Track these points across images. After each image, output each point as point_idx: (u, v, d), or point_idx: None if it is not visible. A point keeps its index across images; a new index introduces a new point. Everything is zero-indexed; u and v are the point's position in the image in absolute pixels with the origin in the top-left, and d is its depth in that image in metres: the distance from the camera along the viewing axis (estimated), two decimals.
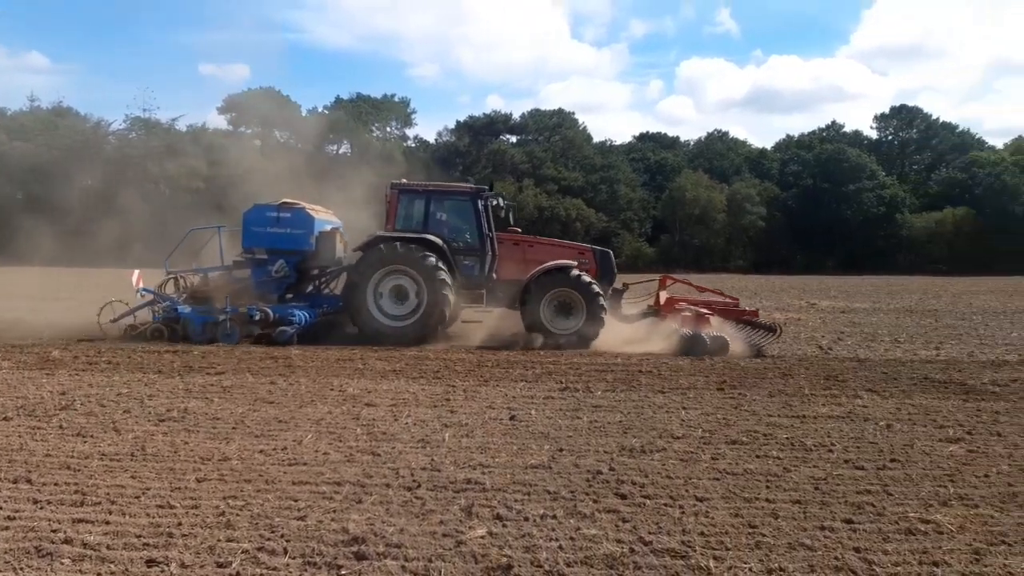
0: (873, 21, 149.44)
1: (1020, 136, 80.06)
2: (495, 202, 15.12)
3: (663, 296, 15.33)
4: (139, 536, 4.74)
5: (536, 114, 79.64)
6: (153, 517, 5.08)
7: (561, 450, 6.86)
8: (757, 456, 6.74)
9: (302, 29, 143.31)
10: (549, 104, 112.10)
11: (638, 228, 72.70)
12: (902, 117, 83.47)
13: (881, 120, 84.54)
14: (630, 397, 9.36)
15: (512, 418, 8.05)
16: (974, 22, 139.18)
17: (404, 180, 15.30)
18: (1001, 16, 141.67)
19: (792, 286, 39.49)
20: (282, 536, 4.77)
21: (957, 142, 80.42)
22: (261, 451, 6.69)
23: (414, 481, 5.88)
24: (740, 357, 12.72)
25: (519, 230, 15.95)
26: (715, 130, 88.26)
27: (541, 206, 64.40)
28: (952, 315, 22.31)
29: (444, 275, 13.90)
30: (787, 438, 7.36)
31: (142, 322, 14.30)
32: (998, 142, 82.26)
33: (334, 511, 5.23)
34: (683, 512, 5.32)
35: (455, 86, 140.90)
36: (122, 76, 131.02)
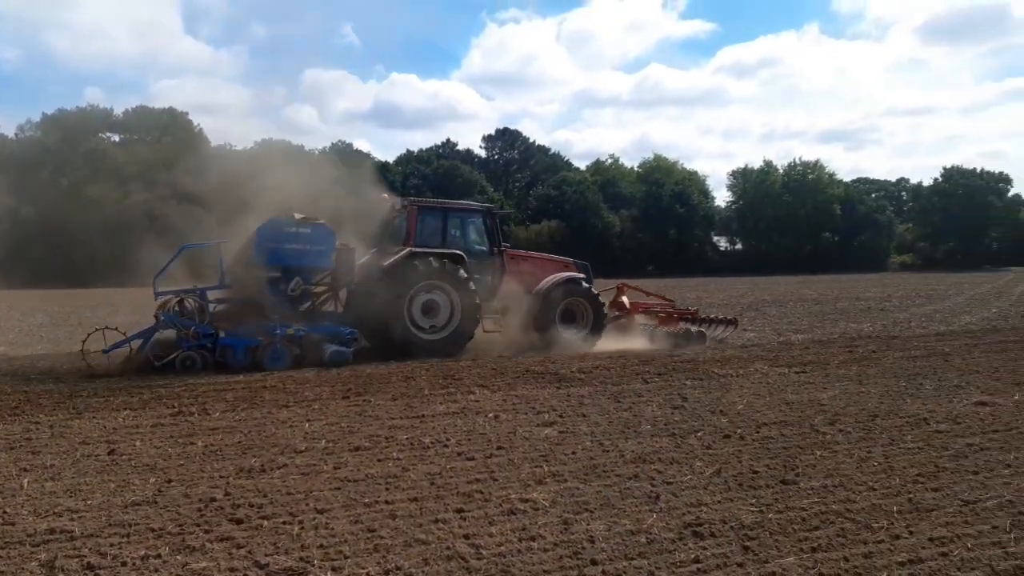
0: (481, 49, 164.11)
1: (599, 159, 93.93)
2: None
3: (626, 301, 17.14)
4: None
5: (143, 112, 72.48)
6: None
7: (170, 481, 6.27)
8: (378, 460, 6.86)
9: None
10: (160, 102, 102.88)
11: None
12: (505, 139, 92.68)
13: (488, 140, 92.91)
14: (252, 415, 8.92)
15: (111, 452, 7.15)
16: (564, 58, 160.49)
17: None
18: (586, 55, 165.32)
19: None
20: None
21: (550, 163, 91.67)
22: None
23: None
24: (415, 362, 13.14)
25: (508, 245, 16.01)
26: (340, 141, 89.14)
27: (153, 213, 58.68)
28: None
29: (476, 290, 14.32)
30: (407, 439, 7.62)
31: (164, 351, 12.54)
32: (582, 164, 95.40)
33: None
34: (303, 528, 5.18)
35: (44, 75, 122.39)
36: None
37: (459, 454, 7.05)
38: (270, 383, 11.01)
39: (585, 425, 8.28)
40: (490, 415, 8.77)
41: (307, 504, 5.66)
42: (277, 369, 12.33)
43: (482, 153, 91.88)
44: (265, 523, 5.28)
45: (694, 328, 16.18)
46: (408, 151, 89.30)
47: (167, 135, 69.51)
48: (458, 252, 14.63)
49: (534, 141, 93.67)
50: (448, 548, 4.76)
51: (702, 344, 15.37)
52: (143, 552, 4.73)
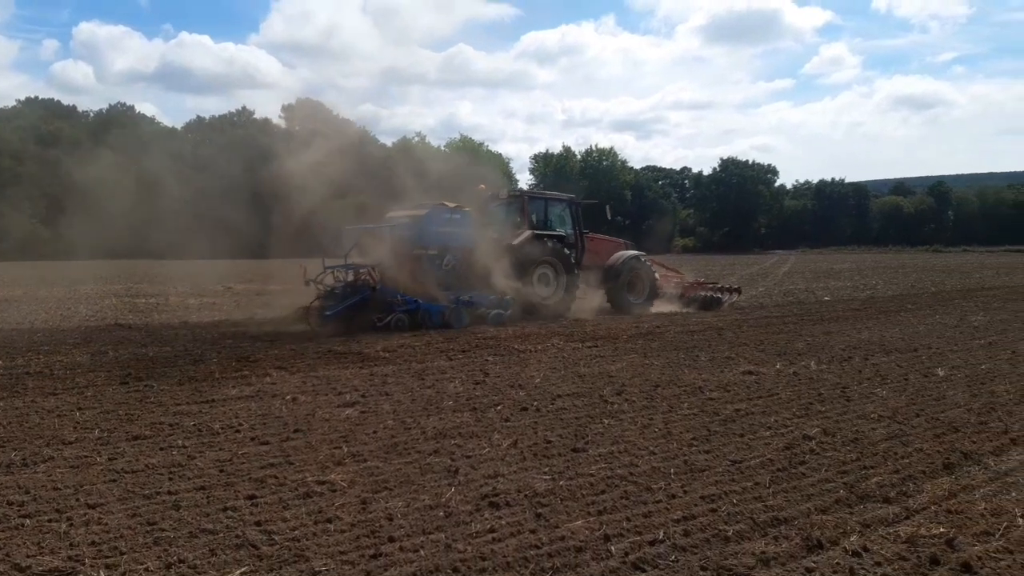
0: (282, 15, 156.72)
1: (405, 136, 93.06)
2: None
3: (657, 274, 19.84)
4: None
5: None
6: None
7: None
8: (161, 449, 6.40)
9: None
10: None
11: (29, 208, 62.94)
12: (306, 110, 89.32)
13: (287, 111, 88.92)
14: (12, 405, 8.01)
15: None
16: (371, 31, 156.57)
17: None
18: (393, 29, 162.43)
19: (207, 271, 38.74)
20: None
21: (356, 139, 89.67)
22: None
23: None
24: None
25: None
26: (119, 103, 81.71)
27: None
28: None
29: (575, 265, 17.82)
30: (194, 425, 7.17)
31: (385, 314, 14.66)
32: (389, 140, 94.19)
33: None
34: (71, 524, 4.72)
35: None
36: None
37: (252, 439, 6.73)
38: (34, 369, 9.94)
39: (388, 404, 8.21)
40: (288, 397, 8.45)
41: (77, 499, 5.16)
42: (461, 327, 14.74)
43: (282, 124, 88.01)
44: (27, 522, 4.75)
45: (712, 294, 19.83)
46: (199, 117, 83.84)
47: None
48: (562, 234, 18.10)
49: (338, 114, 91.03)
50: (238, 536, 4.53)
51: (718, 308, 19.13)
52: None
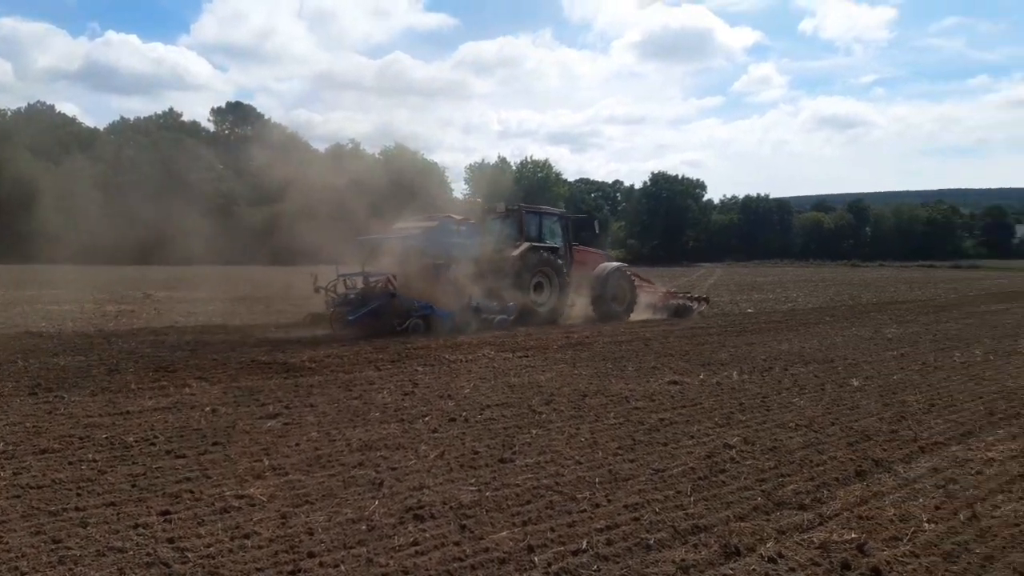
0: (214, 16, 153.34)
1: (339, 143, 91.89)
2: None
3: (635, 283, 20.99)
4: None
5: None
6: None
7: None
8: (70, 463, 6.12)
9: None
10: None
11: None
12: (238, 114, 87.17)
13: (217, 114, 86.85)
14: None
15: None
16: (305, 35, 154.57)
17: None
18: (328, 35, 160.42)
19: (126, 277, 37.41)
20: None
21: (291, 144, 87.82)
22: None
23: None
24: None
25: None
26: (39, 102, 78.47)
27: None
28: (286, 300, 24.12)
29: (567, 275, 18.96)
30: (107, 438, 6.88)
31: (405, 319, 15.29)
32: (322, 146, 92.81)
33: None
34: None
35: None
36: None
37: (168, 452, 6.49)
38: None
39: (312, 415, 8.04)
40: (207, 409, 8.20)
41: None
42: (467, 333, 15.57)
43: (211, 127, 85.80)
44: None
45: (684, 303, 21.42)
46: (123, 118, 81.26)
47: None
48: (556, 246, 19.26)
49: (270, 118, 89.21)
50: (149, 554, 4.36)
51: (690, 315, 20.58)
52: None
